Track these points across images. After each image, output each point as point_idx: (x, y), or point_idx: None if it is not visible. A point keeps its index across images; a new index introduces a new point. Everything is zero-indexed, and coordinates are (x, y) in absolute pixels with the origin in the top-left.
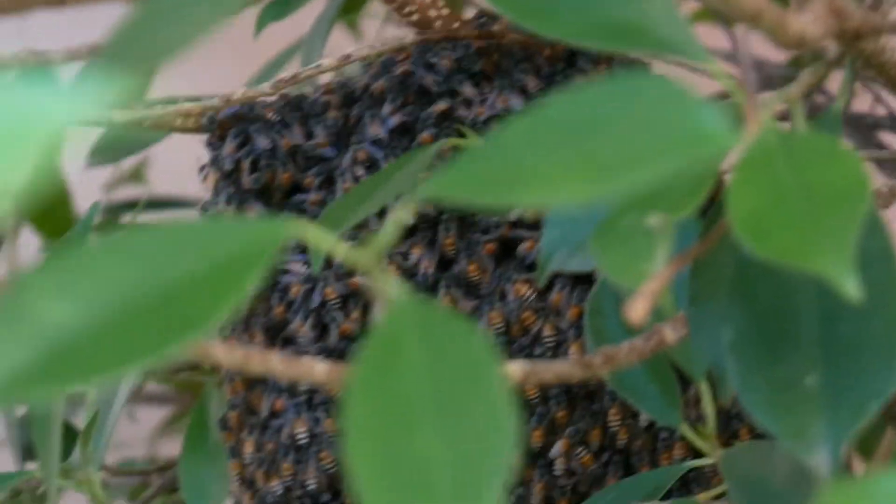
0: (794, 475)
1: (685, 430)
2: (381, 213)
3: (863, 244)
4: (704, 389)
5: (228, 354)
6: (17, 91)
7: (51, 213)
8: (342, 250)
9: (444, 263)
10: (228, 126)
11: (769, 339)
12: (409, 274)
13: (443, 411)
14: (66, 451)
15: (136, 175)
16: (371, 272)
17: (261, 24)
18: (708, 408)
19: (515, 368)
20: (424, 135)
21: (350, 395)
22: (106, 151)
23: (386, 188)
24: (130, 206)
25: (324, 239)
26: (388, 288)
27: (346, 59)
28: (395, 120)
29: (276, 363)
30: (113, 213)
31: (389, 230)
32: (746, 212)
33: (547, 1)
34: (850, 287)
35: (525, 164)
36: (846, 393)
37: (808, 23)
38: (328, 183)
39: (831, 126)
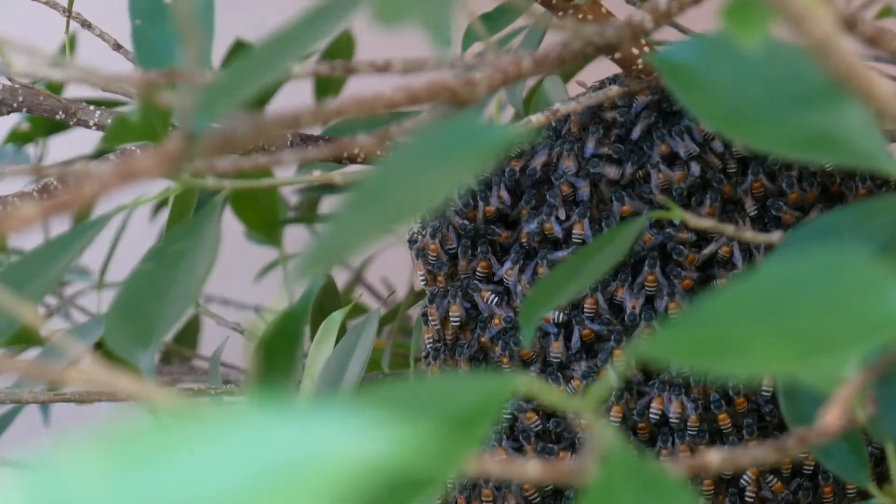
0: None
1: (871, 488)
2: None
3: None
4: (891, 452)
5: None
6: (305, 425)
7: (255, 201)
8: (563, 399)
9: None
10: None
11: None
12: (616, 310)
13: None
14: None
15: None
16: (588, 418)
17: (465, 45)
18: (894, 469)
19: (714, 457)
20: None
21: None
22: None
23: (588, 268)
24: (328, 188)
25: (547, 391)
26: (604, 436)
27: (555, 114)
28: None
29: (492, 465)
30: (315, 192)
31: (610, 382)
32: None
33: (748, 113)
34: None
35: (729, 335)
36: None
37: None
38: (536, 211)
39: None
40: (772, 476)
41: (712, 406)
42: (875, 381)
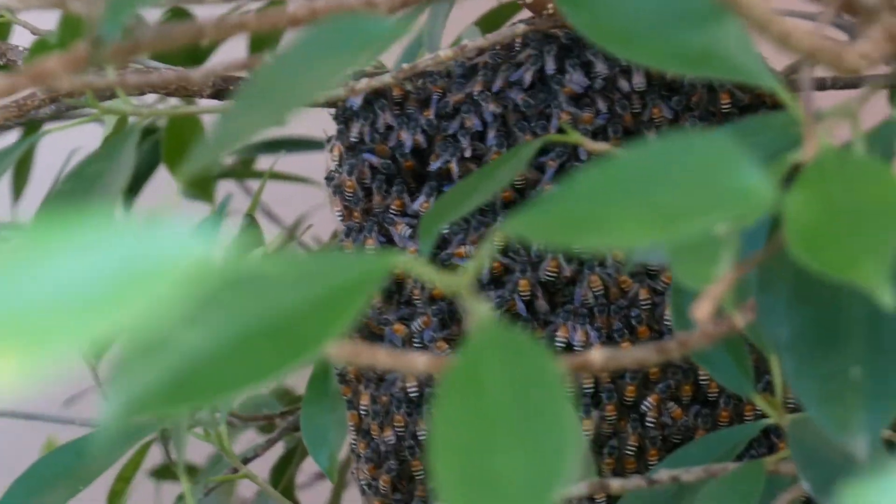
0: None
1: (755, 397)
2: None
3: None
4: (774, 362)
5: (339, 350)
6: (146, 232)
7: (187, 153)
8: (437, 278)
9: None
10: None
11: (821, 338)
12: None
13: (519, 427)
14: None
15: None
16: (463, 297)
17: None
18: (776, 378)
19: (597, 355)
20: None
21: (437, 410)
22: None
23: (486, 185)
24: (268, 145)
25: (423, 270)
26: (476, 310)
27: (462, 49)
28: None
29: (382, 357)
30: (251, 152)
31: (481, 261)
32: (801, 227)
33: (635, 30)
34: (886, 296)
35: (593, 211)
36: (886, 384)
37: (867, 50)
38: (445, 143)
39: (888, 137)
40: (672, 403)
41: (615, 334)
42: (756, 288)
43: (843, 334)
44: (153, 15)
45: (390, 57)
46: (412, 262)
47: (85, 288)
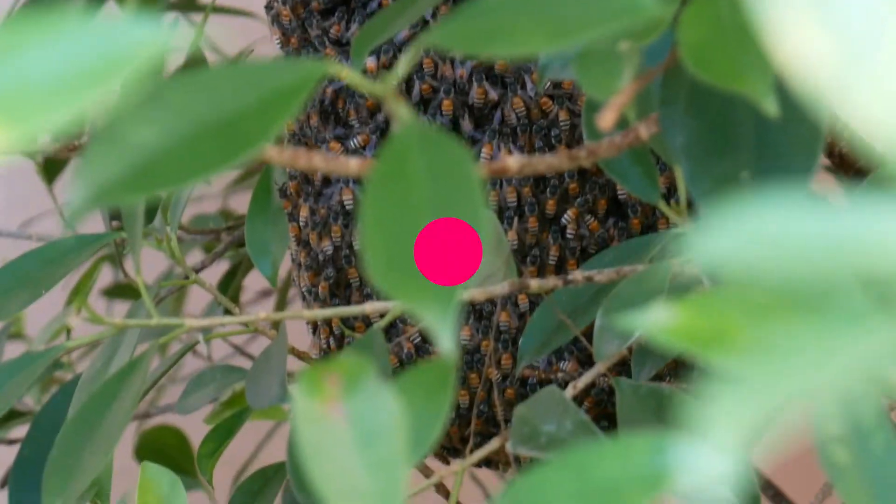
0: None
1: (662, 204)
2: None
3: None
4: (678, 172)
5: (279, 154)
6: (114, 25)
7: None
8: (364, 84)
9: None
10: None
11: (714, 144)
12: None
13: (437, 208)
14: (149, 216)
15: None
16: (387, 100)
17: None
18: (681, 187)
19: (513, 160)
20: None
21: (366, 199)
22: None
23: (412, 9)
24: None
25: (352, 76)
26: (400, 112)
27: None
28: None
29: (318, 160)
30: None
31: (403, 66)
32: (692, 43)
33: None
34: (769, 104)
35: (503, 23)
36: (773, 186)
37: None
38: None
39: None
40: (589, 216)
41: (537, 153)
42: (658, 103)
43: (734, 141)
44: None
45: None
46: (342, 68)
47: (61, 71)
